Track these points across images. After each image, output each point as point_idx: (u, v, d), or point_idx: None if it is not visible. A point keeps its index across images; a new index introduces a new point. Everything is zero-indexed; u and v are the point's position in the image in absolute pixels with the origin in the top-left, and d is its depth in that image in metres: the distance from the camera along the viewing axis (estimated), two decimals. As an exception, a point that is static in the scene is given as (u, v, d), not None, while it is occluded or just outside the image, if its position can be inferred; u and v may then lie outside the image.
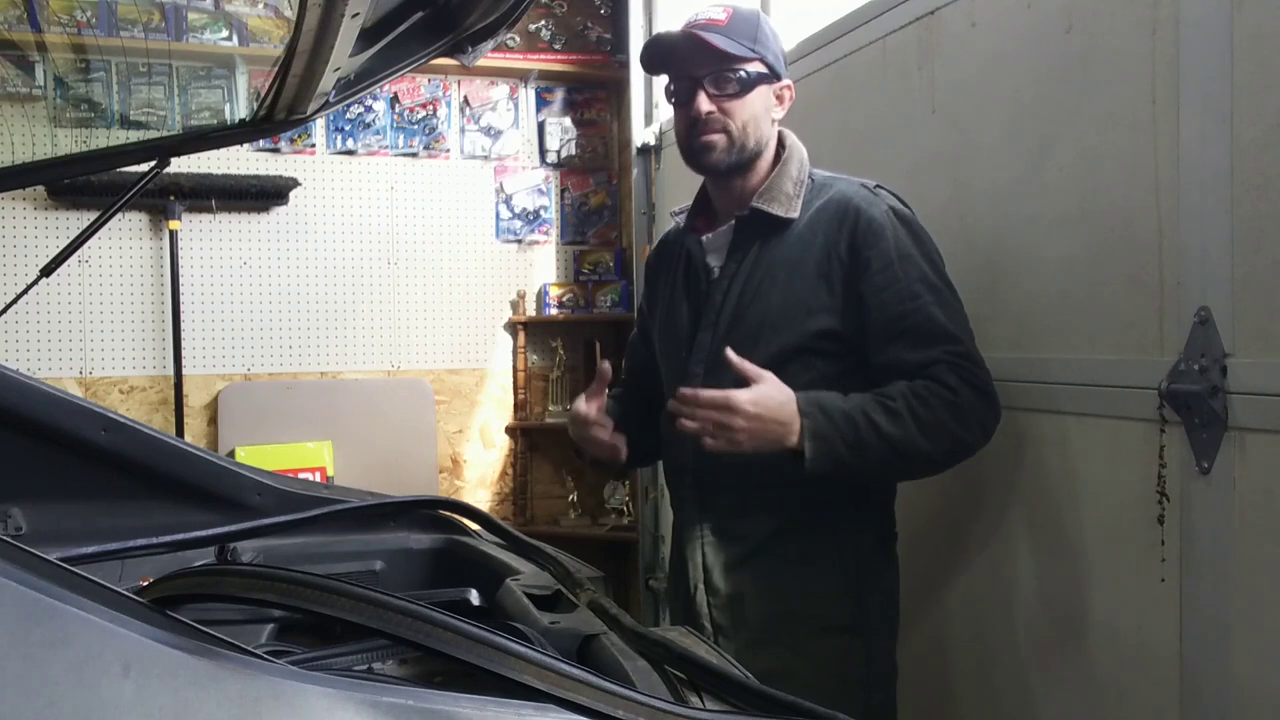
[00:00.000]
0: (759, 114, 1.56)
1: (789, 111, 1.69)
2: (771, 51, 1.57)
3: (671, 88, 1.59)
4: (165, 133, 3.24)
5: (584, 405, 1.63)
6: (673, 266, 1.71)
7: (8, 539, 0.62)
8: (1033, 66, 1.67)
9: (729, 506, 1.57)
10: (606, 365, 1.63)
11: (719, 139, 1.55)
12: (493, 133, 3.79)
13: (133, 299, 3.41)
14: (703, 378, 1.58)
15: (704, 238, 1.64)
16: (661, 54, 1.59)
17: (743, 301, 1.56)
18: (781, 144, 1.63)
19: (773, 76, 1.58)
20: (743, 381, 1.45)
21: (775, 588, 1.53)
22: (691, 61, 1.53)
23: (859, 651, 1.51)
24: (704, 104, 1.54)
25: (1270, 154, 1.25)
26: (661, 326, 1.73)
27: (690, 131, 1.57)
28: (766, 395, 1.40)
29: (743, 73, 1.53)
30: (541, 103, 3.87)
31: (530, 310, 3.82)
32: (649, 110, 3.63)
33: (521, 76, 3.81)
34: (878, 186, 1.57)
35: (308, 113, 1.51)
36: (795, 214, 1.55)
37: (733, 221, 1.61)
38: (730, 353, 1.43)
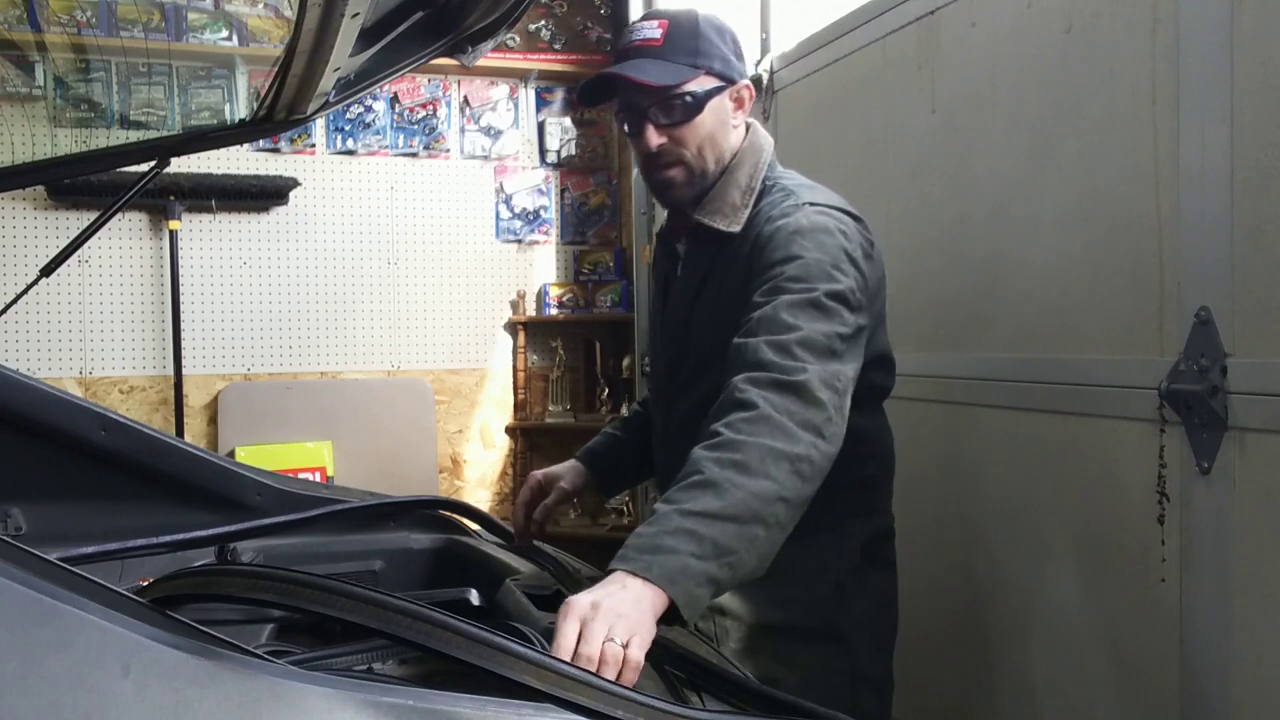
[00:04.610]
0: (714, 131, 1.44)
1: (788, 112, 1.67)
2: (718, 57, 1.44)
3: (622, 116, 1.47)
4: (165, 133, 3.24)
5: (525, 499, 1.51)
6: (659, 266, 1.65)
7: (8, 539, 0.62)
8: (1033, 66, 1.67)
9: None
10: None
11: (677, 174, 1.44)
12: (493, 133, 3.79)
13: (133, 299, 3.41)
14: (669, 391, 1.55)
15: (678, 246, 1.56)
16: (603, 87, 1.47)
17: (691, 323, 1.48)
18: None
19: (725, 83, 1.44)
20: (709, 409, 1.26)
21: (753, 598, 1.50)
22: (634, 93, 1.42)
23: (842, 658, 1.48)
24: (654, 138, 1.42)
25: (1270, 154, 1.26)
26: (649, 329, 1.71)
27: (647, 165, 1.46)
28: (587, 591, 1.01)
29: (687, 97, 1.40)
30: (541, 103, 3.87)
31: (530, 310, 3.82)
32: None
33: (521, 76, 3.81)
34: (809, 204, 1.38)
35: (308, 113, 1.52)
36: (738, 227, 1.41)
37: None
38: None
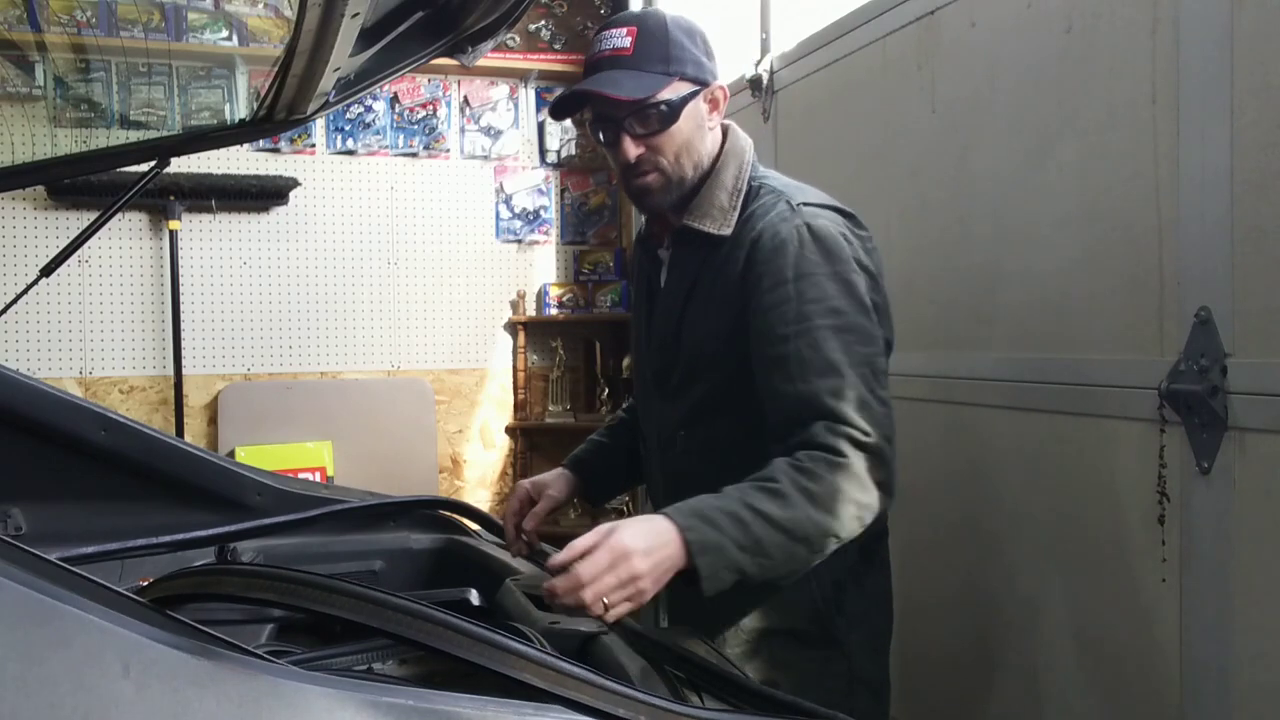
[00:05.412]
0: (690, 137, 1.42)
1: (791, 111, 1.66)
2: (690, 61, 1.41)
3: (595, 127, 1.45)
4: (165, 133, 3.24)
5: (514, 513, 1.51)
6: (640, 276, 1.63)
7: (8, 539, 0.62)
8: (1033, 66, 1.67)
9: None
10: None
11: (653, 180, 1.42)
12: (493, 133, 3.79)
13: (133, 299, 3.41)
14: (659, 398, 1.55)
15: (659, 251, 1.55)
16: (572, 105, 1.45)
17: (681, 328, 1.46)
18: (723, 140, 1.49)
19: (699, 86, 1.42)
20: (702, 414, 1.39)
21: (751, 605, 1.50)
22: (608, 104, 1.40)
23: (839, 660, 1.48)
24: (631, 149, 1.40)
25: (1270, 154, 1.26)
26: (634, 340, 1.69)
27: (625, 174, 1.44)
28: (644, 532, 1.12)
29: (663, 105, 1.38)
30: (541, 103, 3.87)
31: (530, 310, 3.82)
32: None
33: (521, 76, 3.81)
34: (804, 204, 1.40)
35: (308, 113, 1.52)
36: (728, 230, 1.41)
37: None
38: (553, 565, 1.11)
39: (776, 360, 1.31)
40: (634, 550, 1.07)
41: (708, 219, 1.43)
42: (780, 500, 1.19)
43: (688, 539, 1.12)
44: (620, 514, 3.68)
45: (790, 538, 1.18)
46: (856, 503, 1.24)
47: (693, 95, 1.41)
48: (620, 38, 1.39)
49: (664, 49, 1.39)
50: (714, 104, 1.46)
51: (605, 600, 1.04)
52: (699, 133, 1.44)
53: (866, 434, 1.26)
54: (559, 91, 3.85)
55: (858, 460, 1.24)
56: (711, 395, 1.42)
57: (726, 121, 1.50)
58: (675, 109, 1.39)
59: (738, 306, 1.37)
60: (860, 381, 1.28)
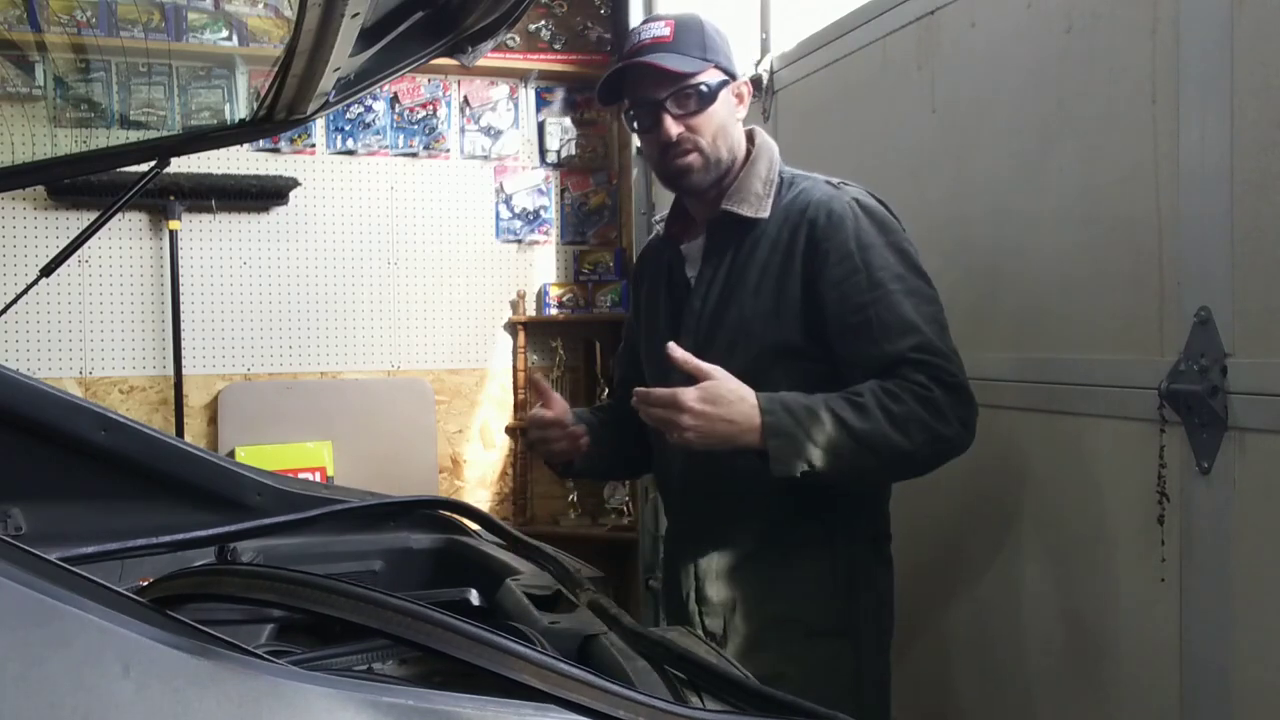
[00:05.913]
0: (725, 122, 1.53)
1: (791, 111, 1.69)
2: (722, 54, 1.53)
3: (632, 113, 1.55)
4: (165, 133, 3.24)
5: (540, 410, 1.64)
6: (656, 276, 1.69)
7: (8, 539, 0.62)
8: (1033, 66, 1.67)
9: (717, 514, 1.56)
10: (541, 382, 1.67)
11: (694, 159, 1.52)
12: (493, 133, 3.79)
13: (133, 299, 3.41)
14: (684, 384, 1.56)
15: (682, 246, 1.62)
16: (617, 86, 1.55)
17: (719, 309, 1.54)
18: (751, 141, 1.60)
19: (729, 78, 1.54)
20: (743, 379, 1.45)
21: (765, 594, 1.52)
22: (649, 86, 1.50)
23: (848, 655, 1.50)
24: (672, 127, 1.50)
25: (1270, 154, 1.26)
26: (645, 337, 1.72)
27: (663, 156, 1.53)
28: (715, 392, 1.34)
29: (702, 86, 1.49)
30: (541, 103, 3.87)
31: (530, 310, 3.82)
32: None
33: (521, 76, 3.81)
34: (842, 183, 1.53)
35: (308, 113, 1.52)
36: (765, 214, 1.52)
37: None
38: (674, 349, 1.38)
39: (858, 327, 1.42)
40: (689, 408, 1.32)
41: (745, 204, 1.53)
42: (861, 412, 1.33)
43: (765, 421, 1.31)
44: (620, 514, 3.68)
45: (861, 445, 1.32)
46: (934, 432, 1.35)
47: (725, 84, 1.53)
48: (660, 28, 1.51)
49: (700, 38, 1.51)
50: (740, 97, 1.58)
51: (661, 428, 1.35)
52: (731, 119, 1.55)
53: (952, 374, 1.38)
54: (559, 91, 3.86)
55: (941, 394, 1.36)
56: (745, 374, 1.48)
57: (750, 126, 1.61)
58: (713, 91, 1.51)
59: (788, 283, 1.47)
60: (939, 335, 1.42)
